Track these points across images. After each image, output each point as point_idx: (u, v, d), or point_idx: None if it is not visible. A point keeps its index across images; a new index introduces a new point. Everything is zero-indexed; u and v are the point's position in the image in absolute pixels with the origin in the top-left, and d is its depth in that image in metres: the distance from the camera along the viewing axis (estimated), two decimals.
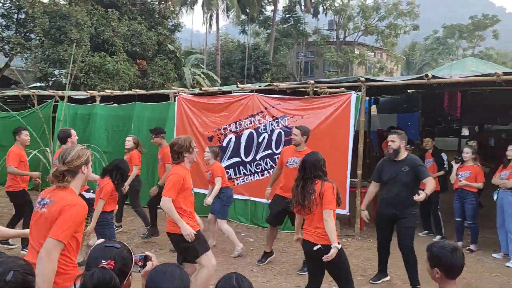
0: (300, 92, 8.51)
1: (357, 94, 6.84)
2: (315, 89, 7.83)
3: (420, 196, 4.44)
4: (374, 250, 6.28)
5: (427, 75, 6.41)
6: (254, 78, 30.29)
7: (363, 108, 6.87)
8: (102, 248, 1.81)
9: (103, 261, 1.72)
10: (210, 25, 31.25)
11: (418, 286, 4.69)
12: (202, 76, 25.37)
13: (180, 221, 3.90)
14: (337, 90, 8.23)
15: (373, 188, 5.17)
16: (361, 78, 6.88)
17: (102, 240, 2.03)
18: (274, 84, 7.75)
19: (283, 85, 7.75)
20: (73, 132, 6.03)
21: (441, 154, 7.20)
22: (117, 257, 1.76)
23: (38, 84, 20.75)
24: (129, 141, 7.01)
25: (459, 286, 2.33)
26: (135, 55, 21.78)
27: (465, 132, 14.69)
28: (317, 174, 3.84)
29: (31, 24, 16.26)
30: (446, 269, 2.24)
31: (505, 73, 6.08)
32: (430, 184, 4.66)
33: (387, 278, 5.20)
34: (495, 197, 6.14)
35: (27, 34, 16.92)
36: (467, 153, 6.37)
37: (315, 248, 3.72)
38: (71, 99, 10.13)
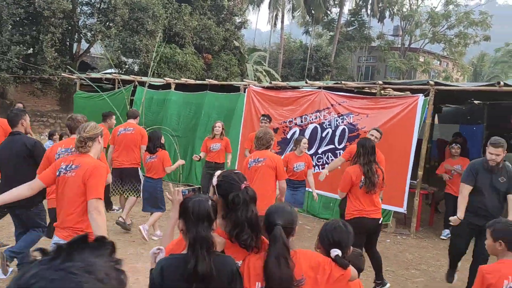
0: (364, 92, 8.74)
1: (425, 97, 6.97)
2: (381, 91, 8.06)
3: None
4: (429, 249, 6.49)
5: (499, 83, 6.42)
6: (314, 79, 30.38)
7: (430, 111, 6.97)
8: None
9: None
10: (275, 24, 31.74)
11: None
12: (264, 73, 25.91)
13: None
14: (402, 93, 8.39)
15: (467, 192, 4.55)
16: (430, 82, 6.99)
17: None
18: (343, 82, 8.03)
19: (351, 83, 8.01)
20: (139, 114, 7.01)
21: None
22: None
23: (109, 70, 22.29)
24: (218, 127, 7.30)
25: None
26: (202, 48, 22.75)
27: None
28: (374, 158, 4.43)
29: (112, 14, 17.50)
30: (509, 241, 2.55)
31: None
32: None
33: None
34: None
35: (108, 23, 18.22)
36: None
37: (380, 222, 4.47)
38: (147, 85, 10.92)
